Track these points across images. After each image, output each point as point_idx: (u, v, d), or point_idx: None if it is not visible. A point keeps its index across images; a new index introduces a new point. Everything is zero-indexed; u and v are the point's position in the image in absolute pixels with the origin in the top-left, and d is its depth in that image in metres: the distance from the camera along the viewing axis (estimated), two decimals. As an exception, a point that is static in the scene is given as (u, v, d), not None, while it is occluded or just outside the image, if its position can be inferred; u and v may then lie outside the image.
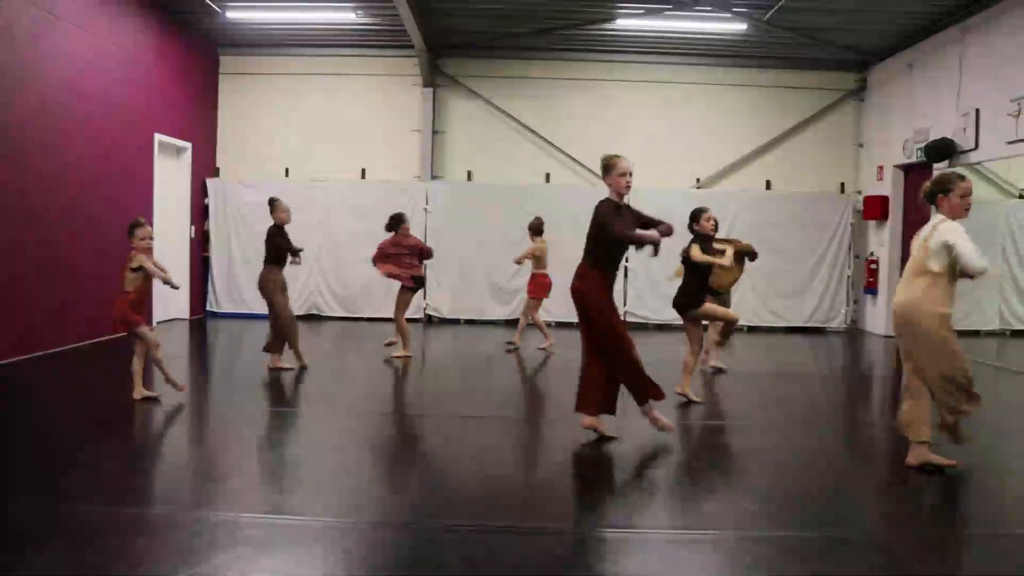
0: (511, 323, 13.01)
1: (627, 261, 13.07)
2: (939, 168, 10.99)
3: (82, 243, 9.45)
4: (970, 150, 10.32)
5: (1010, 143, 9.49)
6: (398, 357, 9.15)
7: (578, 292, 5.64)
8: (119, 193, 10.30)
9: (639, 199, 13.12)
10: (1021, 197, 10.81)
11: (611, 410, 5.74)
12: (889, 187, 12.58)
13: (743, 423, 6.57)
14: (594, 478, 5.04)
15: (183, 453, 5.55)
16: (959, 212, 4.88)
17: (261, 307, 8.69)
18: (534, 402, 7.65)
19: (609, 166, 5.61)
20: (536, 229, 10.07)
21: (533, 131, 13.46)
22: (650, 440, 5.82)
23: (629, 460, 5.42)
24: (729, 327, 7.61)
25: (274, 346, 8.21)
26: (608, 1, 11.11)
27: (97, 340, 9.67)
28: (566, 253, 12.75)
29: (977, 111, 10.17)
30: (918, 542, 4.00)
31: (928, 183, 5.11)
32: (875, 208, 12.70)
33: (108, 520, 3.93)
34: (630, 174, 5.61)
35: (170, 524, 3.91)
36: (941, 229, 4.83)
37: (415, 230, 12.96)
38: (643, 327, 12.53)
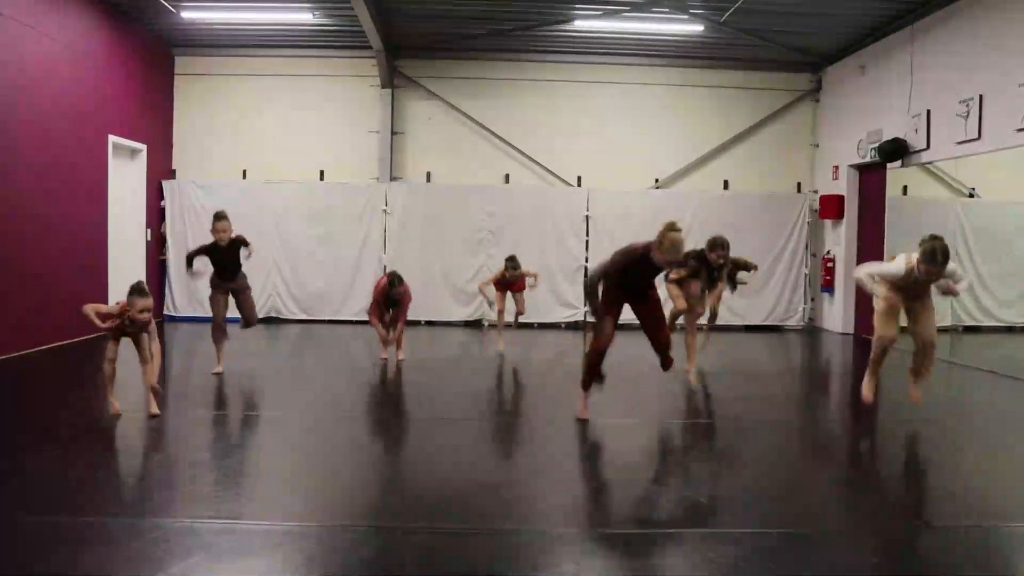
0: (471, 324, 13.01)
1: (586, 261, 13.16)
2: (892, 168, 11.21)
3: (34, 248, 9.26)
4: (921, 150, 10.52)
5: (960, 143, 9.70)
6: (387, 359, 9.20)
7: None
8: (72, 196, 10.10)
9: (600, 199, 13.26)
10: (971, 196, 11.03)
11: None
12: (844, 186, 12.78)
13: (703, 421, 6.62)
14: (554, 479, 5.04)
15: (139, 460, 5.45)
16: None
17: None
18: (496, 404, 7.64)
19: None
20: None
21: (492, 132, 13.46)
22: (608, 440, 5.86)
23: (588, 460, 5.44)
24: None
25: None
26: (566, 3, 11.15)
27: (46, 347, 9.50)
28: (523, 252, 12.84)
29: (928, 112, 10.37)
30: (876, 537, 4.07)
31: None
32: (831, 207, 12.89)
33: (63, 529, 3.86)
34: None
35: (126, 533, 3.83)
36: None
37: (375, 232, 12.95)
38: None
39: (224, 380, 7.85)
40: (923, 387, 6.44)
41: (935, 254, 5.80)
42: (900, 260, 6.08)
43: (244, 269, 8.27)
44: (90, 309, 5.97)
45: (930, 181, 10.95)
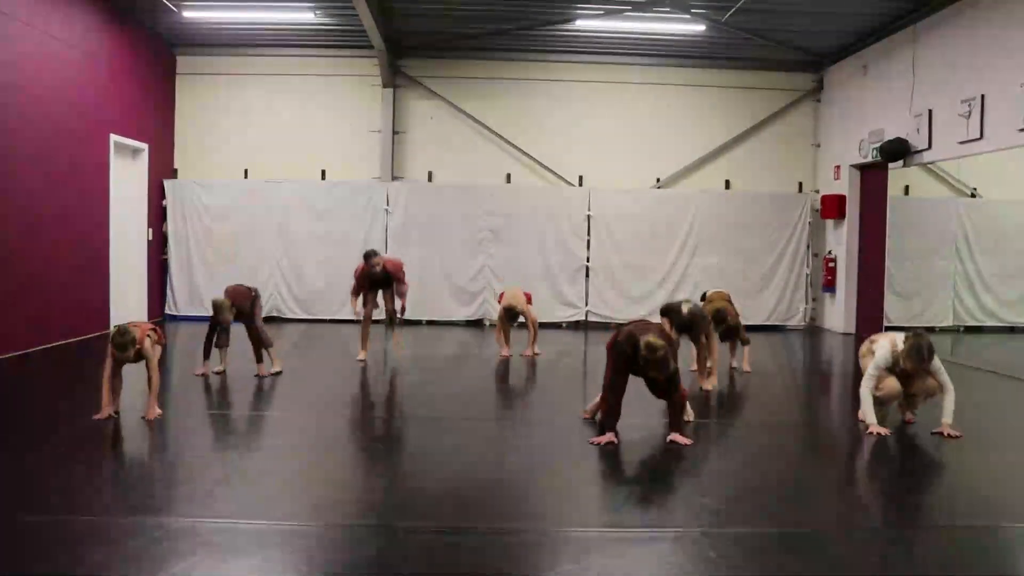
0: (472, 324, 13.01)
1: (588, 261, 13.16)
2: (894, 168, 11.19)
3: (35, 247, 9.26)
4: (923, 150, 10.50)
5: (962, 143, 9.68)
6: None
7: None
8: (74, 195, 10.10)
9: (601, 199, 13.25)
10: (973, 196, 11.04)
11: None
12: (846, 186, 12.76)
13: (704, 421, 6.62)
14: (557, 478, 5.04)
15: (139, 459, 5.46)
16: None
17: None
18: (496, 404, 7.64)
19: None
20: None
21: (494, 131, 13.45)
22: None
23: (590, 460, 5.43)
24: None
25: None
26: (568, 2, 11.14)
27: (46, 347, 9.50)
28: (524, 252, 12.83)
29: (930, 111, 10.35)
30: (876, 536, 4.06)
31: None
32: (832, 207, 12.88)
33: (63, 529, 3.86)
34: None
35: (126, 532, 3.84)
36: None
37: (376, 231, 12.95)
38: (605, 326, 12.56)
39: (225, 379, 7.85)
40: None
41: (921, 352, 5.80)
42: (884, 346, 6.05)
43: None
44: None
45: (932, 181, 10.95)
